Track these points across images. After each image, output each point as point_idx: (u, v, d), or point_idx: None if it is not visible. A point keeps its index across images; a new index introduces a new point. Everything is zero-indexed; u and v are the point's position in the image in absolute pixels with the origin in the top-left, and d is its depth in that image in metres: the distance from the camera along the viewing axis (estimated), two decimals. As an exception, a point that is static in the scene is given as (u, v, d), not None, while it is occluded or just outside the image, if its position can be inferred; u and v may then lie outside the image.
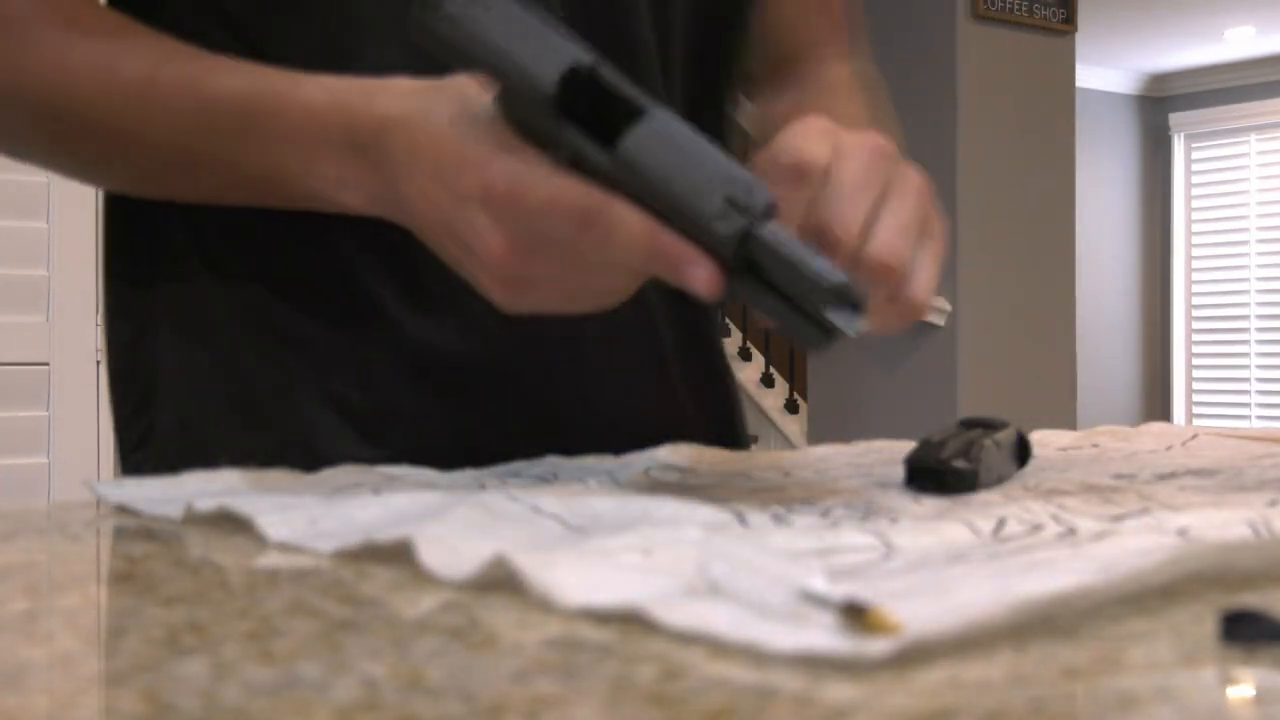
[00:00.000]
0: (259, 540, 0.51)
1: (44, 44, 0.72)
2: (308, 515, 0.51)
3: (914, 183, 0.62)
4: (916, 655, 0.33)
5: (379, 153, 0.63)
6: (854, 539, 0.49)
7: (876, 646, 0.32)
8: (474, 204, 0.59)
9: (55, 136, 0.74)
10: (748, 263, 0.55)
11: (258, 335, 0.77)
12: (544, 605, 0.39)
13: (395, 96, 0.64)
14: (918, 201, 0.62)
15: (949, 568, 0.43)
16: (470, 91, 0.61)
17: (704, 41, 0.85)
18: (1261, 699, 0.32)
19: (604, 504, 0.53)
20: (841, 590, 0.35)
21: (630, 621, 0.37)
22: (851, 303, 0.54)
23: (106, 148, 0.73)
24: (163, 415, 0.79)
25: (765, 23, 0.93)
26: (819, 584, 0.35)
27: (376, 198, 0.65)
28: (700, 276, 0.55)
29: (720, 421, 0.89)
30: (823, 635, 0.33)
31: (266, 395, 0.77)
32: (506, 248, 0.59)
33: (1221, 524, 0.50)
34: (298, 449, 0.73)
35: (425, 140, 0.61)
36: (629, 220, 0.56)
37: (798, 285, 0.54)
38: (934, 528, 0.50)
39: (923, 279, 0.62)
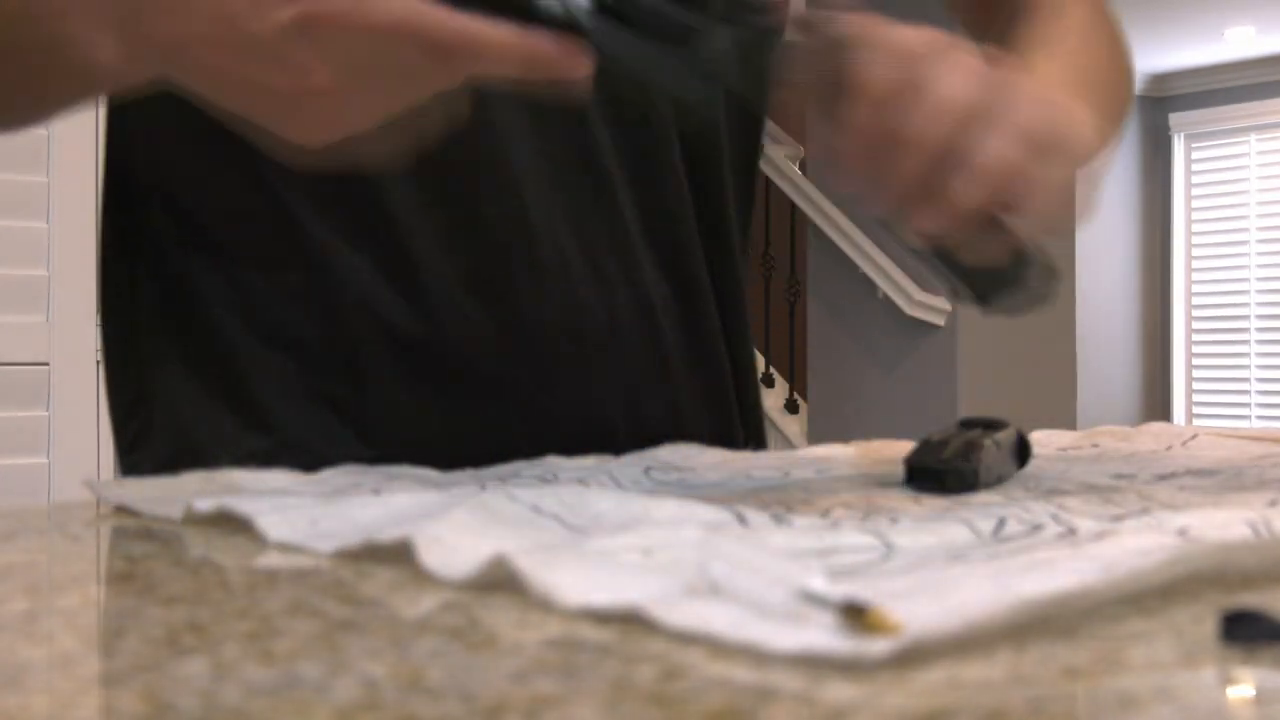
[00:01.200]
0: (259, 540, 0.51)
1: None
2: (308, 515, 0.51)
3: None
4: (916, 655, 0.33)
5: None
6: (854, 539, 0.49)
7: (877, 646, 0.32)
8: (285, 37, 0.53)
9: None
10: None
11: (252, 337, 0.77)
12: (544, 605, 0.39)
13: None
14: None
15: (949, 568, 0.43)
16: None
17: None
18: (1261, 699, 0.32)
19: (604, 504, 0.53)
20: (841, 590, 0.35)
21: (630, 621, 0.37)
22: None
23: None
24: (156, 417, 0.79)
25: None
26: (819, 584, 0.35)
27: (133, 49, 0.57)
28: (577, 65, 0.52)
29: (724, 423, 0.88)
30: (823, 635, 0.33)
31: (261, 397, 0.76)
32: (329, 79, 0.53)
33: (1221, 524, 0.50)
34: (295, 450, 0.73)
35: None
36: (497, 34, 0.52)
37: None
38: (934, 528, 0.50)
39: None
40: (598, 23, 0.53)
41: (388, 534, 0.46)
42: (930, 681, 0.31)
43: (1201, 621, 0.38)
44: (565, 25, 0.53)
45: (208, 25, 0.54)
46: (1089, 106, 0.65)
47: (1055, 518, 0.53)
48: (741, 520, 0.53)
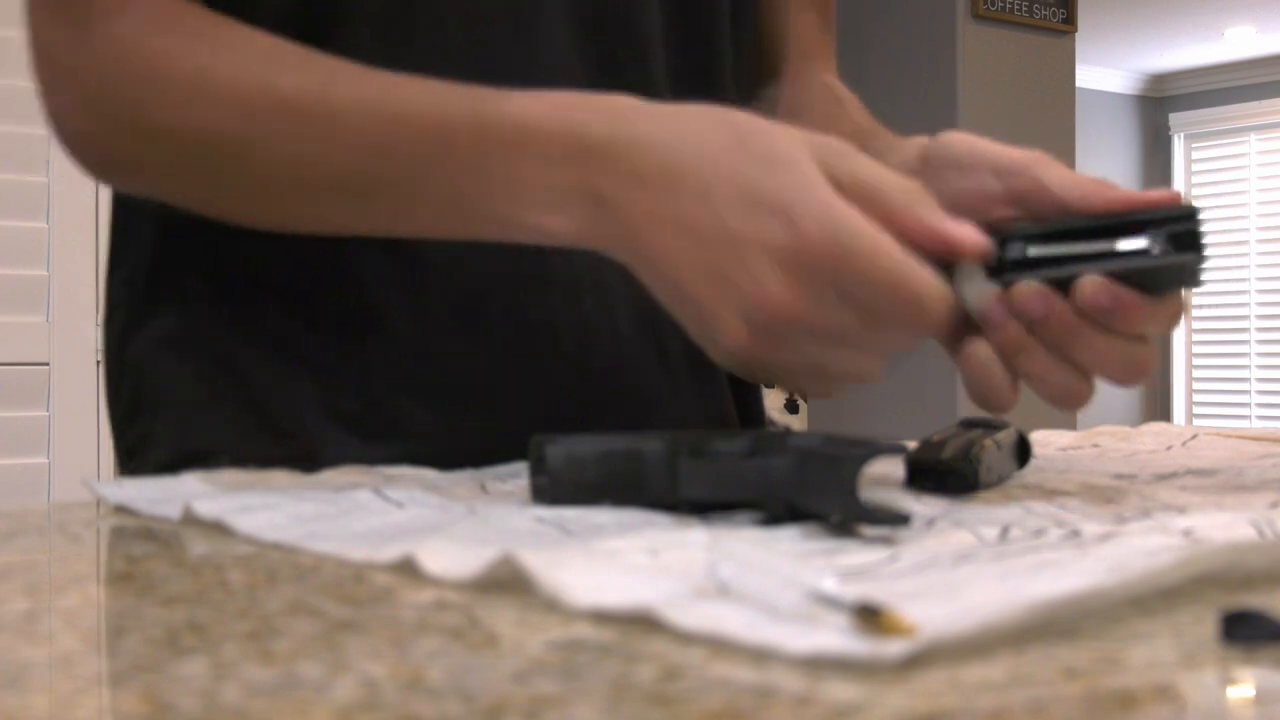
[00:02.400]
0: (257, 541, 0.51)
1: (182, 59, 0.65)
2: (305, 530, 0.51)
3: None
4: (916, 655, 0.33)
5: (618, 166, 0.58)
6: (858, 539, 0.49)
7: (892, 649, 0.32)
8: (765, 250, 0.55)
9: (197, 170, 0.68)
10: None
11: (255, 344, 0.77)
12: (549, 605, 0.39)
13: (645, 116, 0.59)
14: None
15: (956, 568, 0.43)
16: (742, 123, 0.58)
17: (687, 21, 0.84)
18: (1261, 699, 0.32)
19: (602, 518, 0.53)
20: (854, 592, 0.35)
21: (630, 621, 0.37)
22: None
23: (265, 177, 0.66)
24: (157, 424, 0.79)
25: (757, 27, 0.93)
26: (831, 585, 0.35)
27: (592, 220, 0.59)
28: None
29: (723, 422, 0.88)
30: (836, 637, 0.33)
31: (265, 404, 0.76)
32: (790, 299, 0.55)
33: (1225, 525, 0.50)
34: (298, 458, 0.72)
35: (692, 164, 0.57)
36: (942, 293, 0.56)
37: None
38: (939, 535, 0.50)
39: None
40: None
41: (386, 554, 0.46)
42: (931, 682, 0.31)
43: (1201, 621, 0.38)
44: None
45: (686, 213, 0.56)
46: None
47: (1058, 521, 0.53)
48: (744, 523, 0.54)
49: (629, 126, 0.59)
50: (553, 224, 0.61)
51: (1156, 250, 0.59)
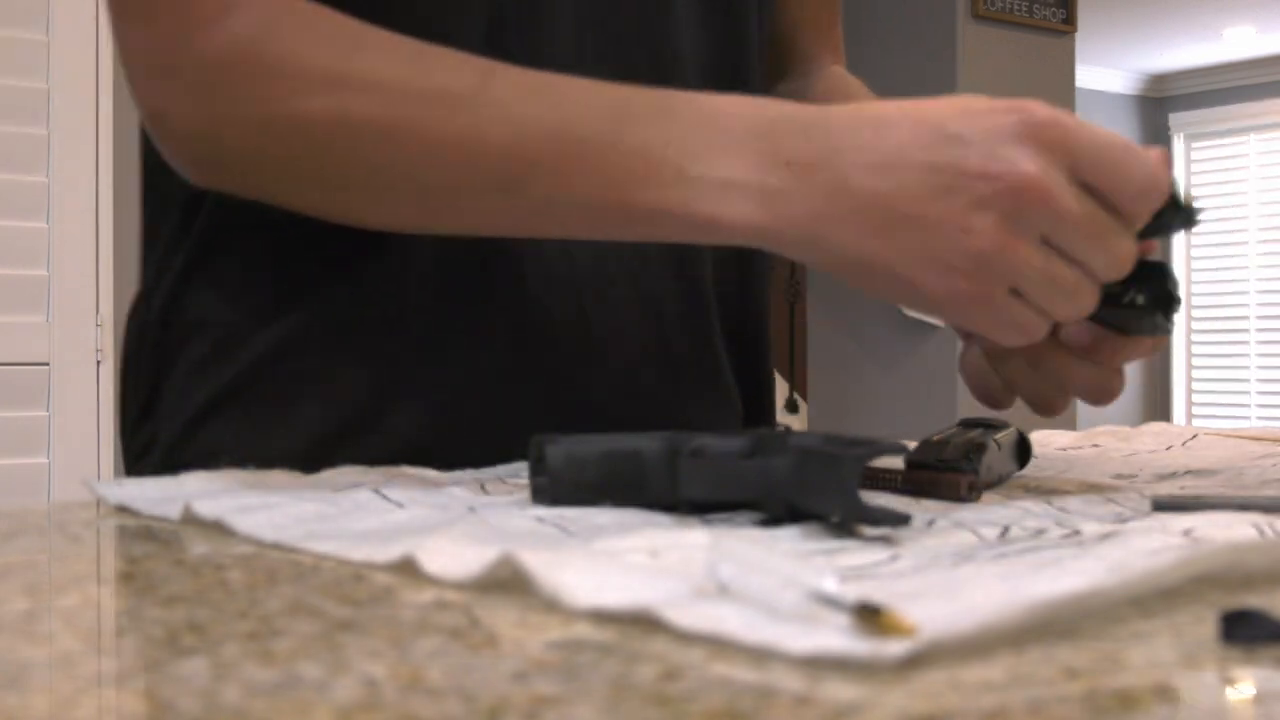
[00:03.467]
0: (258, 541, 0.51)
1: (327, 59, 0.63)
2: (305, 530, 0.51)
3: None
4: (917, 655, 0.33)
5: (804, 128, 0.56)
6: (858, 539, 0.49)
7: (893, 649, 0.32)
8: (994, 133, 0.54)
9: (331, 163, 0.64)
10: None
11: (255, 341, 0.77)
12: (549, 605, 0.39)
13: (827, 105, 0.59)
14: None
15: (957, 568, 0.43)
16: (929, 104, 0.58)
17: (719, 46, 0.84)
18: (1261, 699, 0.32)
19: (603, 518, 0.53)
20: (855, 592, 0.35)
21: (630, 621, 0.37)
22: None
23: (408, 166, 0.63)
24: (162, 427, 0.79)
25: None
26: (831, 585, 0.35)
27: (775, 196, 0.56)
28: None
29: (727, 418, 0.88)
30: (837, 637, 0.33)
31: (265, 401, 0.76)
32: (1039, 173, 0.53)
33: (1226, 525, 0.50)
34: (298, 459, 0.72)
35: (884, 113, 0.56)
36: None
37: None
38: (939, 535, 0.50)
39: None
40: None
41: (386, 554, 0.46)
42: (930, 682, 0.31)
43: (1201, 621, 0.38)
44: None
45: (909, 132, 0.55)
46: None
47: (1059, 521, 0.53)
48: (743, 523, 0.54)
49: (815, 108, 0.58)
50: (729, 212, 0.57)
51: (1140, 301, 0.61)
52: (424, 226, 0.68)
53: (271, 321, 0.76)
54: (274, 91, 0.63)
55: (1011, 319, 0.57)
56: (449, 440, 0.75)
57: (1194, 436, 0.89)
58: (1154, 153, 0.58)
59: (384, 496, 0.59)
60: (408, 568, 0.44)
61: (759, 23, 0.87)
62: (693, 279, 0.83)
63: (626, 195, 0.59)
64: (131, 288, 0.85)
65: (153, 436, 0.80)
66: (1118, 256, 0.57)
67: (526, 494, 0.59)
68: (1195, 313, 7.27)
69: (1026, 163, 0.53)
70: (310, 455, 0.71)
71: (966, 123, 0.55)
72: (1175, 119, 7.27)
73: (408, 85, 0.62)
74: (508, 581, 0.41)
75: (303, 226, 0.71)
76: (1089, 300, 0.58)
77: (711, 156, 0.57)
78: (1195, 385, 7.29)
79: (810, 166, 0.56)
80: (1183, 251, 7.26)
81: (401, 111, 0.61)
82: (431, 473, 0.68)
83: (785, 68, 0.96)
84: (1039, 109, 0.55)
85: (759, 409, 0.90)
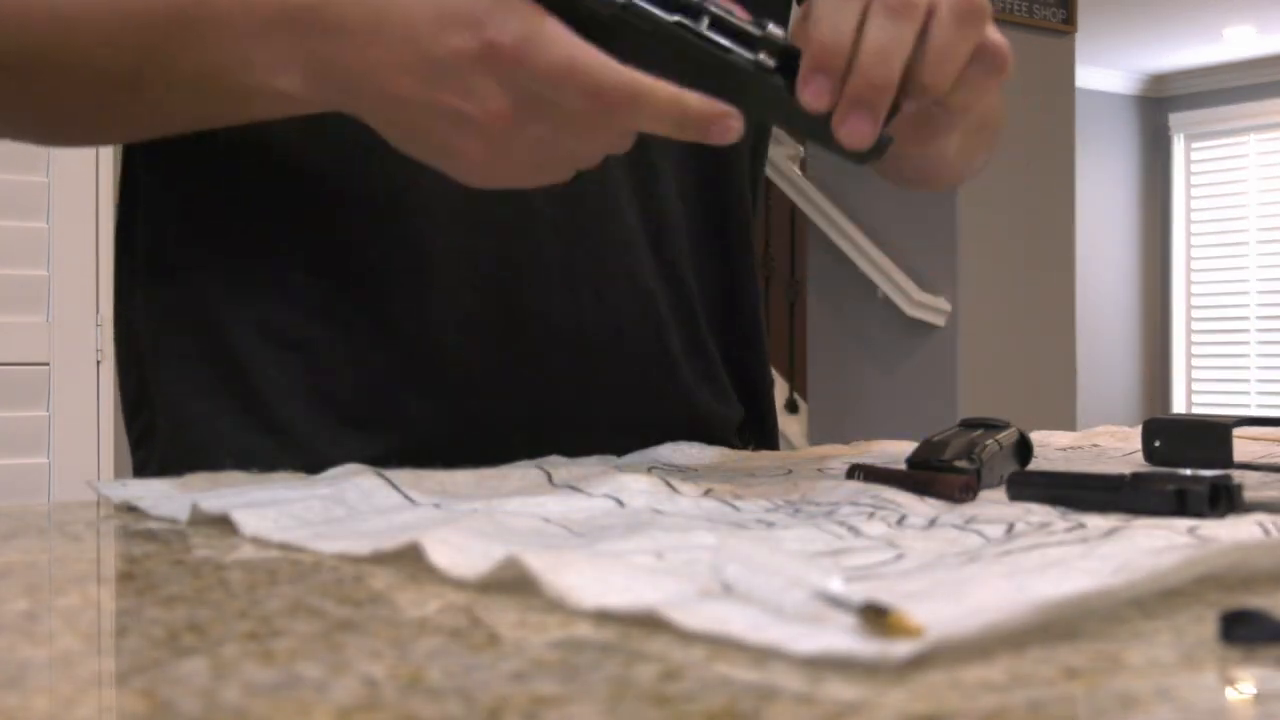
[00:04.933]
0: (261, 541, 0.51)
1: None
2: (312, 531, 0.51)
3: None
4: (922, 656, 0.33)
5: (324, 26, 0.60)
6: (863, 539, 0.49)
7: (899, 649, 0.32)
8: (467, 62, 0.56)
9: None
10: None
11: (255, 336, 0.77)
12: (549, 605, 0.39)
13: None
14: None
15: (963, 567, 0.43)
16: None
17: None
18: (1261, 699, 0.32)
19: (611, 518, 0.53)
20: (861, 592, 0.35)
21: (630, 621, 0.37)
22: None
23: (22, 79, 0.68)
24: (160, 414, 0.79)
25: None
26: (837, 586, 0.35)
27: (322, 76, 0.61)
28: (731, 128, 0.56)
29: (729, 426, 0.88)
30: (843, 638, 0.33)
31: (264, 397, 0.76)
32: (505, 107, 0.57)
33: (1230, 524, 0.50)
34: (296, 450, 0.72)
35: (387, 5, 0.58)
36: (656, 90, 0.55)
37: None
38: (943, 535, 0.50)
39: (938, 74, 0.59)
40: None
41: (394, 541, 0.46)
42: (930, 682, 0.31)
43: (1201, 621, 0.38)
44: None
45: (395, 51, 0.57)
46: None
47: (1063, 515, 0.53)
48: (748, 521, 0.54)
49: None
50: (288, 87, 0.62)
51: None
52: (94, 133, 0.74)
53: (262, 310, 0.76)
54: None
55: (531, 183, 0.61)
56: (445, 430, 0.75)
57: (1194, 436, 0.89)
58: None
59: (391, 483, 0.59)
60: (409, 567, 0.44)
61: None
62: (679, 281, 0.83)
63: (211, 90, 0.64)
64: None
65: (150, 425, 0.80)
66: (606, 140, 0.59)
67: (526, 494, 0.59)
68: (1195, 312, 7.27)
69: (491, 100, 0.57)
70: (308, 453, 0.71)
71: (440, 43, 0.57)
72: (1175, 119, 7.26)
73: (33, 11, 0.66)
74: (509, 581, 0.41)
75: (299, 225, 0.71)
76: (596, 158, 0.60)
77: (255, 49, 0.62)
78: (1195, 385, 7.29)
79: (330, 68, 0.61)
80: (1183, 252, 7.26)
81: (29, 39, 0.66)
82: (431, 472, 0.68)
83: None
84: (498, 35, 0.56)
85: (757, 412, 0.90)
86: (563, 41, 0.55)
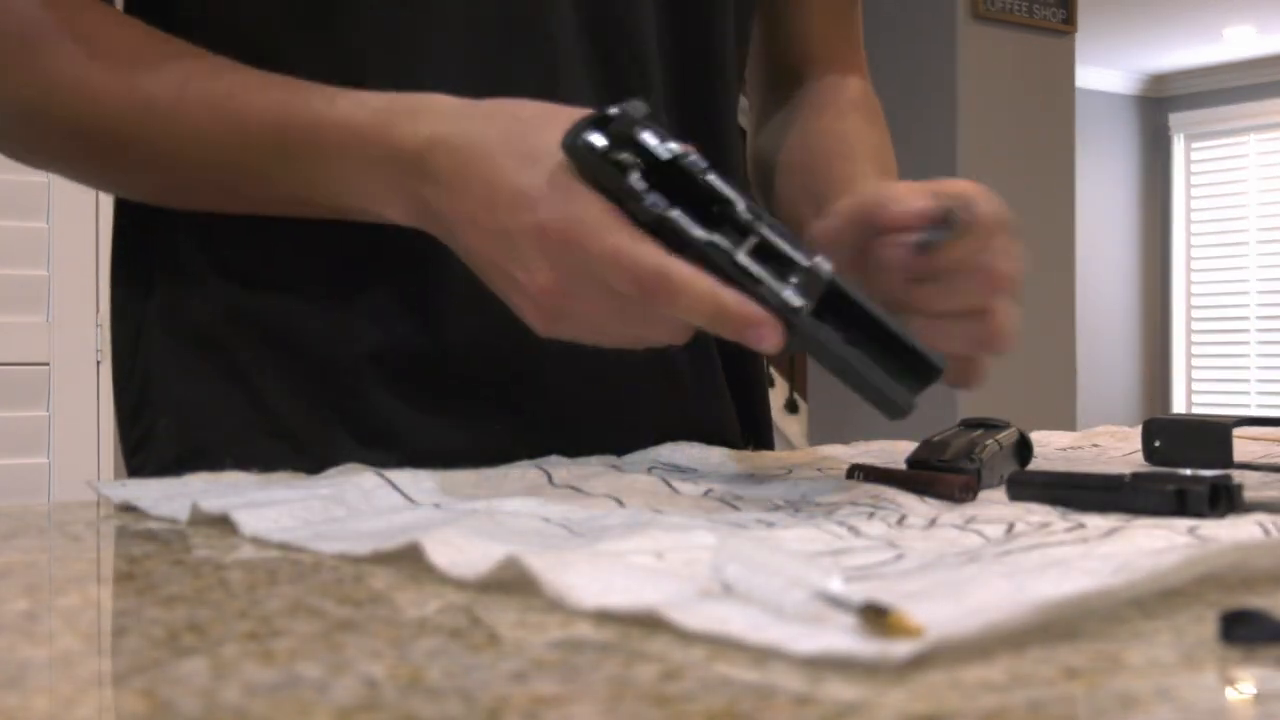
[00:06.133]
0: (260, 541, 0.51)
1: (63, 62, 0.72)
2: (312, 532, 0.51)
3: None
4: (922, 656, 0.33)
5: (423, 172, 0.64)
6: (863, 539, 0.49)
7: (899, 649, 0.32)
8: (526, 238, 0.60)
9: (84, 154, 0.75)
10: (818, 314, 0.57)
11: (256, 342, 0.77)
12: (549, 605, 0.39)
13: (440, 115, 0.65)
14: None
15: (962, 567, 0.43)
16: (525, 114, 0.63)
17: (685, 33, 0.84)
18: (1261, 699, 0.32)
19: (610, 520, 0.53)
20: (861, 593, 0.35)
21: (630, 621, 0.37)
22: (926, 369, 0.58)
23: (137, 165, 0.74)
24: (160, 420, 0.79)
25: (780, 31, 0.93)
26: (837, 586, 0.35)
27: (421, 214, 0.66)
28: (766, 337, 0.56)
29: (732, 433, 0.87)
30: (843, 638, 0.33)
31: (264, 403, 0.76)
32: (553, 283, 0.60)
33: (1230, 524, 0.50)
34: (297, 456, 0.72)
35: (476, 165, 0.62)
36: (694, 284, 0.57)
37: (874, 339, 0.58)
38: (943, 535, 0.50)
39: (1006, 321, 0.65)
40: (810, 321, 0.57)
41: (394, 541, 0.46)
42: (930, 682, 0.31)
43: (1201, 621, 0.38)
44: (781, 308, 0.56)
45: (473, 208, 0.62)
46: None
47: (1063, 515, 0.53)
48: (748, 521, 0.53)
49: (428, 128, 0.64)
50: (393, 216, 0.68)
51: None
52: (190, 206, 0.77)
53: (265, 320, 0.76)
54: (26, 79, 0.73)
55: (592, 340, 0.64)
56: (447, 443, 0.75)
57: (1194, 436, 0.89)
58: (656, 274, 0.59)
59: (390, 483, 0.59)
60: (409, 567, 0.45)
61: (737, 20, 0.86)
62: None
63: (315, 202, 0.71)
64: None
65: (149, 430, 0.80)
66: (655, 330, 0.62)
67: (525, 493, 0.59)
68: (1195, 312, 7.27)
69: (541, 274, 0.60)
70: (308, 458, 0.70)
71: (510, 215, 0.61)
72: (1175, 119, 7.27)
73: (123, 93, 0.71)
74: (509, 581, 0.41)
75: (300, 236, 0.72)
76: (662, 339, 0.62)
77: (361, 179, 0.67)
78: (1195, 385, 7.29)
79: (427, 207, 0.65)
80: (1183, 252, 7.26)
81: (121, 119, 0.71)
82: (432, 473, 0.67)
83: (795, 75, 0.95)
84: (551, 215, 0.59)
85: (751, 411, 0.90)
86: (613, 228, 0.58)
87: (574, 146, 0.58)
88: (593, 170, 0.58)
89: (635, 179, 0.57)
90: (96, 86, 0.71)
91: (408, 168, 0.65)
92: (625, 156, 0.58)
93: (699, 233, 0.57)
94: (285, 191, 0.70)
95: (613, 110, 0.58)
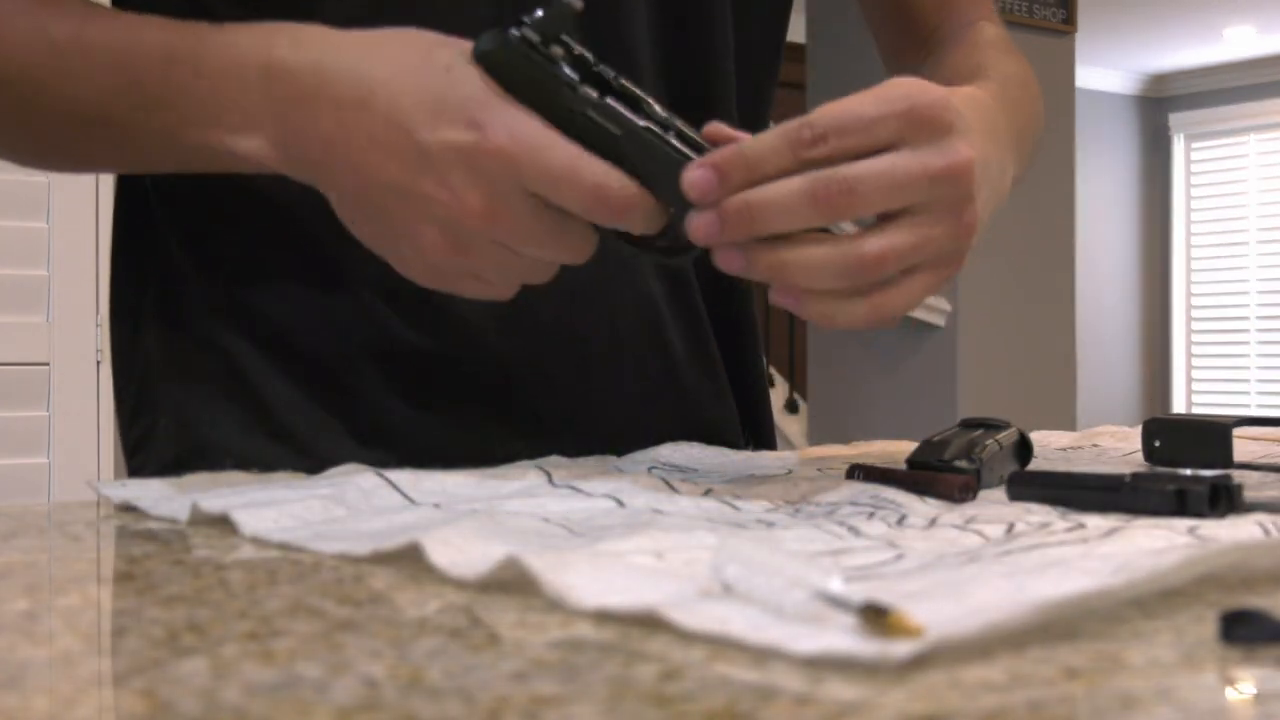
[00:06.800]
0: (260, 541, 0.51)
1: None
2: (312, 532, 0.51)
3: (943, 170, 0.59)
4: (922, 656, 0.33)
5: (300, 89, 0.60)
6: (863, 539, 0.49)
7: (899, 649, 0.32)
8: (454, 156, 0.56)
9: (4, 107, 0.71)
10: None
11: (254, 342, 0.77)
12: (549, 605, 0.39)
13: (328, 38, 0.61)
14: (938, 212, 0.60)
15: (963, 567, 0.43)
16: (425, 36, 0.60)
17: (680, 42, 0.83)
18: (1261, 699, 0.32)
19: (610, 520, 0.53)
20: (861, 592, 0.35)
21: (630, 621, 0.37)
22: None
23: (19, 104, 0.69)
24: (160, 420, 0.79)
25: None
26: (838, 586, 0.35)
27: (283, 145, 0.61)
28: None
29: (733, 433, 0.87)
30: (843, 638, 0.33)
31: (265, 402, 0.76)
32: (483, 204, 0.57)
33: (1230, 524, 0.50)
34: (297, 456, 0.72)
35: (377, 83, 0.58)
36: (645, 202, 0.56)
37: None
38: (943, 535, 0.50)
39: (901, 294, 0.58)
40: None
41: (394, 541, 0.46)
42: (930, 682, 0.31)
43: (1201, 621, 0.38)
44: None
45: (378, 130, 0.58)
46: (1012, 133, 0.72)
47: (1063, 515, 0.53)
48: (748, 521, 0.54)
49: (316, 51, 0.60)
50: (247, 147, 0.62)
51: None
52: (75, 163, 0.76)
53: (263, 320, 0.76)
54: None
55: (474, 291, 0.61)
56: (443, 444, 0.75)
57: (1194, 436, 0.89)
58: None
59: (390, 483, 0.59)
60: (409, 567, 0.44)
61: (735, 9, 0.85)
62: (677, 282, 0.83)
63: (177, 140, 0.65)
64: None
65: (149, 430, 0.80)
66: (568, 248, 0.59)
67: (527, 493, 0.59)
68: (1195, 312, 7.27)
69: (470, 194, 0.57)
70: (308, 458, 0.70)
71: (431, 132, 0.57)
72: (1175, 119, 7.27)
73: (25, 34, 0.67)
74: (509, 581, 0.41)
75: (294, 235, 0.71)
76: (544, 275, 0.61)
77: (228, 100, 0.62)
78: (1195, 385, 7.29)
79: (299, 136, 0.61)
80: (1183, 251, 7.26)
81: (12, 57, 0.67)
82: (432, 473, 0.68)
83: (931, 39, 0.94)
84: (494, 134, 0.56)
85: (752, 411, 0.90)
86: (560, 141, 0.56)
87: (495, 50, 0.57)
88: (521, 67, 0.57)
89: (567, 71, 0.57)
90: (7, 30, 0.67)
91: (278, 84, 0.61)
92: (555, 49, 0.57)
93: (640, 121, 0.57)
94: (155, 128, 0.65)
95: (535, 14, 0.57)
